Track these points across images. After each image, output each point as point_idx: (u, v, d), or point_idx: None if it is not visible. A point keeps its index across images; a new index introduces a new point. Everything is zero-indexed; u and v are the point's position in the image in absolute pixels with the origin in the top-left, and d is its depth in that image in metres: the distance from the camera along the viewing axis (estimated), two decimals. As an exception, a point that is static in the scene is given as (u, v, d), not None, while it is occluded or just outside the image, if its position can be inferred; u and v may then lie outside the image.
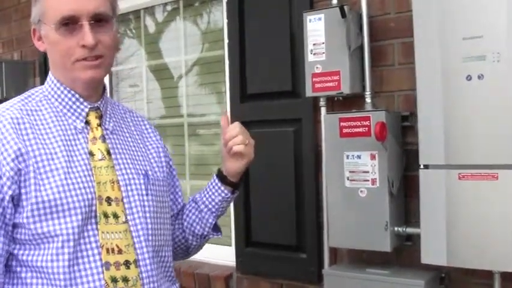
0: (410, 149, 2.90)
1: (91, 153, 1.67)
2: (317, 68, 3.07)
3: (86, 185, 1.61)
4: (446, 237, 2.57)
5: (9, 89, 5.00)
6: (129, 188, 1.70)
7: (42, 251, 1.57)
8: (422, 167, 2.64)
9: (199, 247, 2.10)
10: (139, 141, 1.85)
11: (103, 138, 1.71)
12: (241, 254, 3.67)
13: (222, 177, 1.97)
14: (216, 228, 2.05)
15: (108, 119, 1.77)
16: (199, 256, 3.93)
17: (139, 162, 1.78)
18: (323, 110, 3.16)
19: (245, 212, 3.62)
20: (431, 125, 2.59)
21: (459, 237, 2.54)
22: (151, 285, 1.67)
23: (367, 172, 2.84)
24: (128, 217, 1.67)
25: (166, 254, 1.80)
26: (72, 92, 1.70)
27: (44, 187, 1.56)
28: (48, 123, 1.66)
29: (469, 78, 2.48)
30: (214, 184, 1.97)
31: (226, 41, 3.81)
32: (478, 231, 2.50)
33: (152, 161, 1.84)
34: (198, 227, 1.99)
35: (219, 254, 3.94)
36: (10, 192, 1.54)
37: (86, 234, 1.59)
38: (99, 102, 1.75)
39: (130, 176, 1.72)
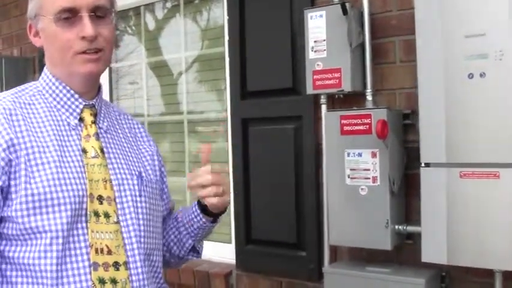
0: (411, 147, 2.90)
1: (84, 151, 1.63)
2: (318, 65, 3.06)
3: (77, 181, 1.57)
4: (447, 236, 2.56)
5: (9, 85, 4.95)
6: (122, 188, 1.66)
7: (29, 248, 1.52)
8: (423, 165, 2.63)
9: (178, 264, 2.03)
10: (132, 143, 1.81)
11: (97, 136, 1.68)
12: (241, 251, 3.67)
13: (202, 206, 1.83)
14: (195, 250, 1.95)
15: (102, 118, 1.74)
16: (199, 254, 3.94)
17: (132, 163, 1.74)
18: (324, 108, 3.15)
19: (245, 210, 3.62)
20: (432, 123, 2.59)
21: (460, 235, 2.54)
22: None
23: (368, 170, 2.83)
24: (120, 217, 1.63)
25: (156, 259, 1.75)
26: (68, 88, 1.66)
27: (35, 180, 1.52)
28: (41, 117, 1.62)
29: (471, 76, 2.47)
30: (194, 210, 1.86)
31: (226, 38, 3.80)
32: (479, 230, 2.49)
33: (146, 163, 1.80)
34: (175, 247, 1.92)
35: (219, 252, 3.93)
36: (0, 183, 1.51)
37: (75, 232, 1.55)
38: (94, 100, 1.71)
39: (124, 176, 1.68)
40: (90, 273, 1.54)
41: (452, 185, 2.54)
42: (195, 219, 1.85)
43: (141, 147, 1.84)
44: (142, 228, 1.66)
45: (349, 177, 2.89)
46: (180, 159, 4.30)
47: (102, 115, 1.74)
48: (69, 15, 1.58)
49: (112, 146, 1.71)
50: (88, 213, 1.57)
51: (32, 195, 1.51)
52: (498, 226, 2.44)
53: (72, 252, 1.54)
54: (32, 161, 1.54)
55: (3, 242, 1.55)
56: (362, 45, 2.99)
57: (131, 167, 1.72)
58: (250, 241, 3.62)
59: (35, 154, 1.55)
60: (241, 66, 3.62)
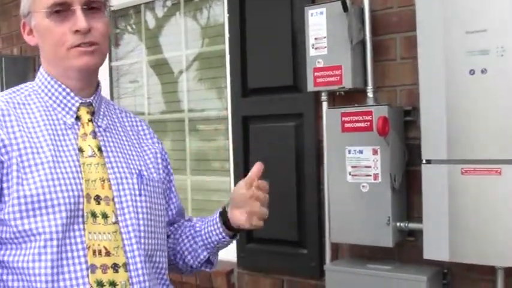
0: (412, 144, 2.89)
1: (80, 150, 1.60)
2: (318, 62, 3.05)
3: (72, 181, 1.54)
4: (449, 233, 2.55)
5: (9, 84, 4.94)
6: (120, 187, 1.62)
7: (23, 251, 1.50)
8: (424, 162, 2.63)
9: (190, 272, 1.98)
10: (134, 141, 1.78)
11: (94, 134, 1.64)
12: (243, 249, 3.66)
13: (224, 218, 1.81)
14: (209, 261, 1.92)
15: (101, 117, 1.71)
16: (200, 252, 3.94)
17: (133, 162, 1.70)
18: (324, 105, 3.14)
19: (246, 208, 3.60)
20: (433, 119, 2.58)
21: (462, 232, 2.53)
22: None
23: (369, 167, 2.82)
24: (119, 217, 1.59)
25: (160, 260, 1.70)
26: (63, 86, 1.64)
27: (27, 182, 1.49)
28: (36, 117, 1.60)
29: (472, 72, 2.46)
30: (214, 222, 1.82)
31: (227, 35, 3.79)
32: (481, 227, 2.48)
33: (148, 161, 1.76)
34: (189, 257, 1.87)
35: (221, 250, 3.91)
36: None
37: (71, 234, 1.51)
38: (91, 98, 1.68)
39: (123, 174, 1.64)
40: (88, 276, 1.51)
41: (454, 181, 2.54)
42: (214, 232, 1.82)
43: (143, 145, 1.81)
44: (142, 228, 1.62)
45: (350, 174, 2.88)
46: (181, 158, 4.30)
47: (101, 113, 1.71)
48: (62, 9, 1.56)
49: (111, 144, 1.69)
50: (85, 214, 1.54)
51: (25, 197, 1.48)
52: (500, 223, 2.44)
53: (69, 254, 1.51)
54: (25, 162, 1.51)
55: None
56: (363, 42, 2.98)
57: (131, 166, 1.69)
58: (252, 239, 3.62)
59: (28, 155, 1.52)
60: (241, 64, 3.62)
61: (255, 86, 3.57)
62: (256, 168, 1.81)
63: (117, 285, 1.54)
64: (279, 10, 3.41)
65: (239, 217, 1.76)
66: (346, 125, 2.89)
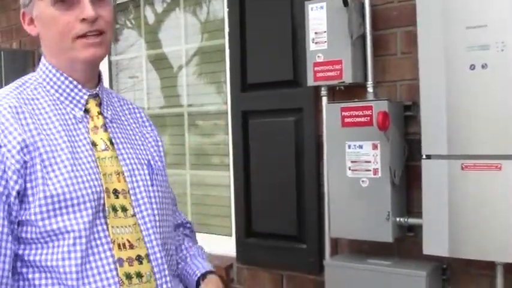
0: (412, 139, 2.88)
1: (93, 144, 1.58)
2: (318, 57, 3.04)
3: (93, 177, 1.52)
4: (449, 228, 2.55)
5: (8, 78, 4.97)
6: (134, 179, 1.61)
7: (51, 250, 1.47)
8: (424, 157, 2.62)
9: None
10: (137, 129, 1.77)
11: (105, 127, 1.62)
12: (242, 244, 3.66)
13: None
14: None
15: (106, 107, 1.68)
16: (200, 246, 3.94)
17: (141, 152, 1.70)
18: (324, 100, 3.13)
19: (246, 202, 3.61)
20: (434, 114, 2.57)
21: (461, 228, 2.53)
22: (164, 279, 1.59)
23: (369, 162, 2.82)
24: (135, 209, 1.58)
25: (171, 247, 1.71)
26: (70, 79, 1.60)
27: (51, 181, 1.46)
28: (47, 112, 1.55)
29: (472, 67, 2.46)
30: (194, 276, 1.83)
31: (226, 30, 3.78)
32: (481, 222, 2.48)
33: (152, 150, 1.76)
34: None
35: (220, 245, 3.92)
36: (17, 187, 1.44)
37: (95, 229, 1.50)
38: (97, 89, 1.65)
39: (135, 166, 1.63)
40: (116, 269, 1.51)
41: (454, 177, 2.53)
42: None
43: (144, 132, 1.80)
44: (157, 218, 1.62)
45: (350, 169, 2.88)
46: (181, 152, 4.29)
47: (105, 104, 1.68)
48: None
49: (119, 135, 1.67)
50: (106, 208, 1.53)
51: (51, 196, 1.46)
52: (500, 218, 2.44)
53: (95, 250, 1.50)
54: (45, 161, 1.48)
55: (22, 246, 1.49)
56: (363, 37, 2.97)
57: (140, 156, 1.68)
58: (251, 234, 3.62)
59: (48, 154, 1.49)
60: (241, 59, 3.61)
61: (254, 80, 3.56)
62: None
63: (143, 276, 1.55)
64: (279, 4, 3.40)
65: None
66: (346, 120, 2.88)
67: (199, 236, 4.01)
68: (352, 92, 3.08)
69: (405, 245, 2.97)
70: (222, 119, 4.04)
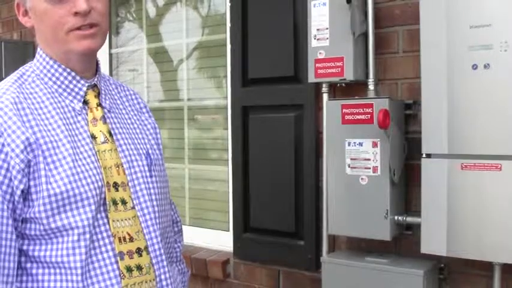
0: (413, 138, 2.88)
1: (93, 136, 1.58)
2: (320, 53, 3.04)
3: (94, 171, 1.52)
4: (447, 228, 2.55)
5: (9, 69, 4.95)
6: (132, 170, 1.62)
7: (55, 246, 1.48)
8: (424, 156, 2.62)
9: None
10: (135, 117, 1.76)
11: (104, 119, 1.62)
12: (239, 239, 3.65)
13: None
14: None
15: (104, 96, 1.67)
16: (197, 241, 3.95)
17: (140, 141, 1.70)
18: (325, 96, 3.13)
19: (243, 198, 3.60)
20: (434, 113, 2.57)
21: (460, 227, 2.53)
22: (162, 269, 1.61)
23: (369, 160, 2.81)
24: (134, 201, 1.59)
25: (169, 235, 1.75)
26: (68, 70, 1.59)
27: (54, 178, 1.46)
28: (46, 106, 1.55)
29: (474, 67, 2.45)
30: None
31: (228, 25, 3.77)
32: (479, 222, 2.48)
33: (150, 137, 1.76)
34: None
35: (217, 239, 3.93)
36: (21, 186, 1.44)
37: (96, 224, 1.51)
38: (95, 80, 1.64)
39: (133, 157, 1.64)
40: (117, 262, 1.52)
41: (453, 176, 2.53)
42: None
43: (143, 118, 1.80)
44: (156, 209, 1.64)
45: (349, 166, 2.88)
46: (180, 146, 4.29)
47: (103, 93, 1.67)
48: None
49: (118, 126, 1.66)
50: (107, 202, 1.53)
51: (55, 195, 1.46)
52: (499, 219, 2.43)
53: (96, 244, 1.51)
54: (48, 158, 1.48)
55: (26, 242, 1.50)
56: (365, 35, 2.97)
57: (139, 146, 1.68)
58: (248, 229, 3.61)
59: (50, 151, 1.48)
60: (242, 54, 3.60)
61: (255, 76, 3.55)
62: None
63: (143, 268, 1.56)
64: (281, 0, 3.39)
65: None
66: (347, 117, 2.88)
67: (197, 231, 4.04)
68: (353, 89, 3.07)
69: (403, 243, 2.97)
70: (221, 113, 4.03)
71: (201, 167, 4.23)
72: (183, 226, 2.04)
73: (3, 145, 1.45)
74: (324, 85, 3.13)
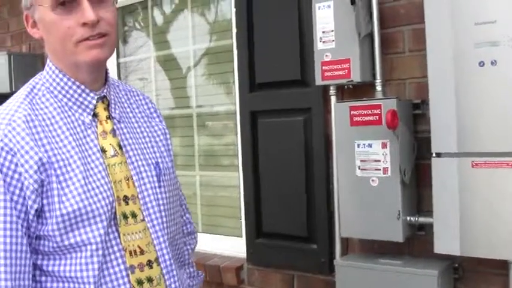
0: (422, 137, 2.86)
1: (103, 150, 1.57)
2: (326, 56, 3.03)
3: (105, 187, 1.53)
4: (460, 227, 2.53)
5: (18, 81, 4.99)
6: (142, 182, 1.62)
7: (69, 261, 1.49)
8: (434, 155, 2.61)
9: None
10: (145, 124, 1.75)
11: (113, 131, 1.61)
12: (252, 245, 3.65)
13: None
14: None
15: (113, 106, 1.66)
16: (210, 248, 3.94)
17: (149, 151, 1.69)
18: (333, 99, 3.12)
19: (255, 203, 3.59)
20: (443, 112, 2.55)
21: (473, 226, 2.51)
22: (172, 279, 1.61)
23: (379, 161, 2.80)
24: (144, 213, 1.59)
25: (178, 242, 1.74)
26: (77, 83, 1.58)
27: (66, 197, 1.47)
28: (57, 121, 1.54)
29: (481, 64, 2.43)
30: None
31: (234, 30, 3.77)
32: (492, 220, 2.46)
33: (160, 144, 1.75)
34: None
35: (230, 246, 3.92)
36: (35, 206, 1.45)
37: (107, 238, 1.51)
38: (104, 91, 1.63)
39: (142, 168, 1.63)
40: (128, 276, 1.53)
41: (464, 175, 2.51)
42: None
43: (153, 124, 1.78)
44: (165, 219, 1.64)
45: (359, 168, 2.86)
46: (190, 153, 4.29)
47: (113, 103, 1.66)
48: (67, 1, 1.49)
49: (127, 136, 1.66)
50: (117, 216, 1.54)
51: (67, 213, 1.46)
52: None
53: (107, 258, 1.52)
54: (60, 176, 1.48)
55: (40, 257, 1.51)
56: (371, 35, 2.96)
57: (147, 156, 1.67)
58: (261, 234, 3.60)
59: (62, 169, 1.49)
60: (249, 59, 3.60)
61: (262, 80, 3.55)
62: None
63: (153, 280, 1.57)
64: (286, 4, 3.39)
65: None
66: (355, 119, 2.87)
67: (210, 237, 4.04)
68: (360, 90, 3.06)
69: (416, 244, 2.95)
70: (230, 119, 4.02)
71: (211, 173, 4.22)
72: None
73: (16, 165, 1.45)
74: (331, 87, 3.12)
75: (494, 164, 2.44)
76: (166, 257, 1.61)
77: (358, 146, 2.86)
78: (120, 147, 1.62)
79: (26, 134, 1.48)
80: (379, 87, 2.94)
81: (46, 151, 1.48)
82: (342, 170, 2.95)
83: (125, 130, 1.67)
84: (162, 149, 1.76)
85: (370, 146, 2.83)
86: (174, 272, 1.63)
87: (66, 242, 1.48)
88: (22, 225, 1.45)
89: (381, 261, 2.86)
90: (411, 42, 2.94)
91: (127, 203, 1.57)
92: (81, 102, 1.59)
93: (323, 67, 3.04)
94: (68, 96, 1.59)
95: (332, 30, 3.00)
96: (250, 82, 3.61)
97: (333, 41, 3.01)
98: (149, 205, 1.61)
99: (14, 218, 1.44)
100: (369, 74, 2.98)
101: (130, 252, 1.54)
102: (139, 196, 1.60)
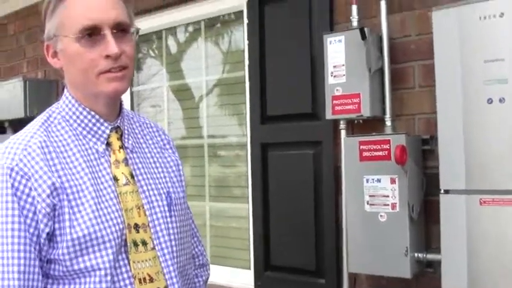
0: (430, 173, 2.85)
1: (115, 178, 1.60)
2: (337, 90, 3.04)
3: (116, 214, 1.55)
4: (468, 264, 2.51)
5: (33, 106, 5.05)
6: (153, 211, 1.63)
7: (78, 286, 1.50)
8: (442, 191, 2.60)
9: None
10: (158, 155, 1.77)
11: (126, 161, 1.64)
12: (260, 277, 3.63)
13: None
14: None
15: (127, 137, 1.69)
16: (218, 279, 3.92)
17: (161, 181, 1.71)
18: (343, 133, 3.13)
19: (264, 235, 3.59)
20: (451, 148, 2.55)
21: (481, 263, 2.49)
22: None
23: (387, 196, 2.79)
24: (155, 242, 1.60)
25: (188, 272, 1.75)
26: (92, 113, 1.61)
27: (77, 221, 1.49)
28: (71, 148, 1.58)
29: (490, 101, 2.43)
30: None
31: (246, 62, 3.80)
32: (500, 258, 2.44)
33: (172, 174, 1.77)
34: None
35: (238, 278, 3.90)
36: (47, 230, 1.47)
37: (117, 264, 1.53)
38: (118, 121, 1.66)
39: (153, 198, 1.65)
40: None
41: (472, 212, 2.50)
42: None
43: (166, 155, 1.80)
44: (175, 249, 1.65)
45: (368, 203, 2.86)
46: (201, 183, 4.30)
47: (126, 133, 1.69)
48: (92, 34, 1.53)
49: (140, 166, 1.68)
50: (128, 244, 1.55)
51: (78, 238, 1.48)
52: (519, 255, 2.39)
53: (117, 285, 1.52)
54: (72, 201, 1.50)
55: (50, 281, 1.52)
56: (381, 70, 2.97)
57: (159, 186, 1.69)
58: (269, 267, 3.59)
59: (74, 194, 1.51)
60: (261, 91, 3.63)
61: (273, 113, 3.57)
62: None
63: None
64: (298, 38, 3.42)
65: None
66: (364, 154, 2.87)
67: (218, 269, 4.02)
68: (370, 125, 3.06)
69: (424, 280, 2.92)
70: (241, 150, 4.04)
71: (222, 204, 4.22)
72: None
73: (30, 189, 1.47)
74: (341, 122, 3.13)
75: (503, 202, 2.42)
76: (176, 286, 1.61)
77: (367, 180, 2.86)
78: (132, 177, 1.63)
79: (41, 159, 1.51)
80: (388, 122, 2.94)
81: (59, 176, 1.51)
82: (351, 205, 2.95)
83: (137, 160, 1.69)
84: (174, 179, 1.77)
85: (379, 181, 2.82)
86: None
87: (76, 267, 1.49)
88: (35, 248, 1.47)
89: (389, 297, 2.84)
90: (421, 78, 2.95)
91: (138, 231, 1.58)
92: (96, 132, 1.62)
93: (333, 101, 3.06)
94: (83, 125, 1.62)
95: (343, 65, 3.02)
96: (262, 114, 3.63)
97: (344, 75, 3.02)
98: (160, 234, 1.62)
99: (28, 240, 1.46)
100: (378, 108, 2.99)
101: (139, 280, 1.54)
102: (150, 225, 1.61)
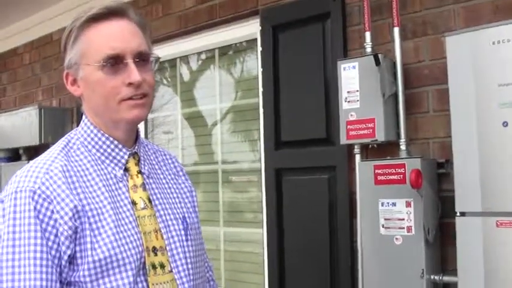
0: (446, 196, 2.87)
1: (133, 202, 1.64)
2: (351, 115, 3.08)
3: (135, 237, 1.58)
4: (485, 286, 2.52)
5: (48, 134, 5.11)
6: (169, 235, 1.67)
7: None
8: (458, 214, 2.61)
9: None
10: (172, 181, 1.82)
11: (143, 186, 1.68)
12: (275, 302, 3.64)
13: None
14: None
15: (143, 162, 1.73)
16: (233, 304, 3.93)
17: (176, 206, 1.75)
18: (357, 158, 3.16)
19: (278, 260, 3.60)
20: (467, 171, 2.57)
21: (498, 286, 2.49)
22: None
23: (403, 220, 2.81)
24: (172, 265, 1.64)
25: None
26: (111, 139, 1.66)
27: (98, 244, 1.52)
28: (90, 173, 1.62)
29: (505, 124, 2.46)
30: None
31: (260, 89, 3.84)
32: (517, 281, 2.45)
33: (186, 200, 1.82)
34: None
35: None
36: (68, 252, 1.50)
37: (136, 287, 1.55)
38: (136, 148, 1.71)
39: (170, 222, 1.69)
40: None
41: (489, 234, 2.51)
42: None
43: (180, 181, 1.84)
44: (191, 271, 1.68)
45: (383, 226, 2.87)
46: (215, 209, 4.32)
47: (142, 159, 1.73)
48: (115, 62, 1.58)
49: (156, 191, 1.72)
50: (147, 266, 1.58)
51: (99, 260, 1.51)
52: (536, 277, 2.40)
53: None
54: (92, 224, 1.54)
55: None
56: (395, 95, 3.01)
57: (175, 211, 1.73)
58: (284, 293, 3.60)
59: (95, 217, 1.55)
60: (275, 116, 3.66)
61: (288, 138, 3.60)
62: None
63: None
64: (312, 64, 3.46)
65: None
66: (379, 178, 2.89)
67: (232, 293, 4.00)
68: (385, 149, 3.09)
69: (440, 303, 2.93)
70: (255, 176, 4.06)
71: (235, 229, 4.24)
72: (218, 288, 2.06)
73: (52, 212, 1.51)
74: (355, 146, 3.16)
75: (519, 224, 2.44)
76: None
77: (382, 204, 2.88)
78: (150, 201, 1.67)
79: (63, 183, 1.54)
80: (403, 147, 2.97)
81: (80, 199, 1.54)
82: (366, 228, 2.96)
83: (153, 185, 1.73)
84: (189, 205, 1.82)
85: (394, 204, 2.84)
86: None
87: None
88: (56, 270, 1.49)
89: (405, 320, 2.84)
90: (435, 102, 2.98)
91: (156, 254, 1.61)
92: (114, 157, 1.67)
93: (348, 126, 3.09)
94: (102, 150, 1.66)
95: (357, 90, 3.06)
96: (276, 140, 3.66)
97: (358, 100, 3.06)
98: (176, 257, 1.66)
99: (50, 262, 1.48)
100: (393, 133, 3.02)
101: None
102: (167, 248, 1.65)
